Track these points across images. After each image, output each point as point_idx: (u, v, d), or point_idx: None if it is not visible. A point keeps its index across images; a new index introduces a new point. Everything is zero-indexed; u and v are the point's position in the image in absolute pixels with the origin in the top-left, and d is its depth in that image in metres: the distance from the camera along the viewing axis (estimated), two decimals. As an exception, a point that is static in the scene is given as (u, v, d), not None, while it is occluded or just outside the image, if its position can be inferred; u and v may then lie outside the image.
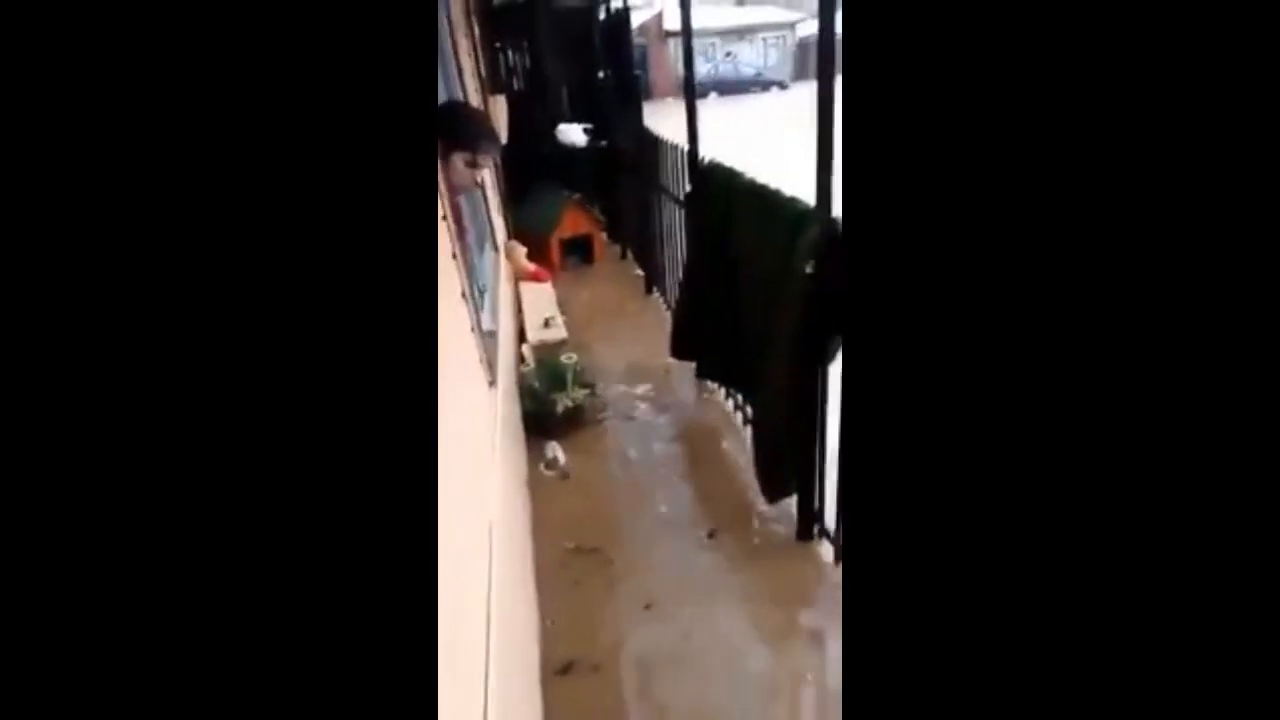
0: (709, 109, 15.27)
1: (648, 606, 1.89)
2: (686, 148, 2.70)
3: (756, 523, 2.18)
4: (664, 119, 4.07)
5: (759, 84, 20.77)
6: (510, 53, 5.59)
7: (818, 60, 1.55)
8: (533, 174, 4.95)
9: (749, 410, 2.50)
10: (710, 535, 2.15)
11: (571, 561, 2.08)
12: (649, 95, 15.85)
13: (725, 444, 2.60)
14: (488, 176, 3.29)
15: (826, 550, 2.00)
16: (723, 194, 2.32)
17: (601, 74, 4.87)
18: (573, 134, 5.06)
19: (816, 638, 1.75)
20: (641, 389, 3.05)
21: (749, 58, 22.54)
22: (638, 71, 4.43)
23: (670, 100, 17.11)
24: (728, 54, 22.23)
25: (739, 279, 2.24)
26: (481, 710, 0.92)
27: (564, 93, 5.40)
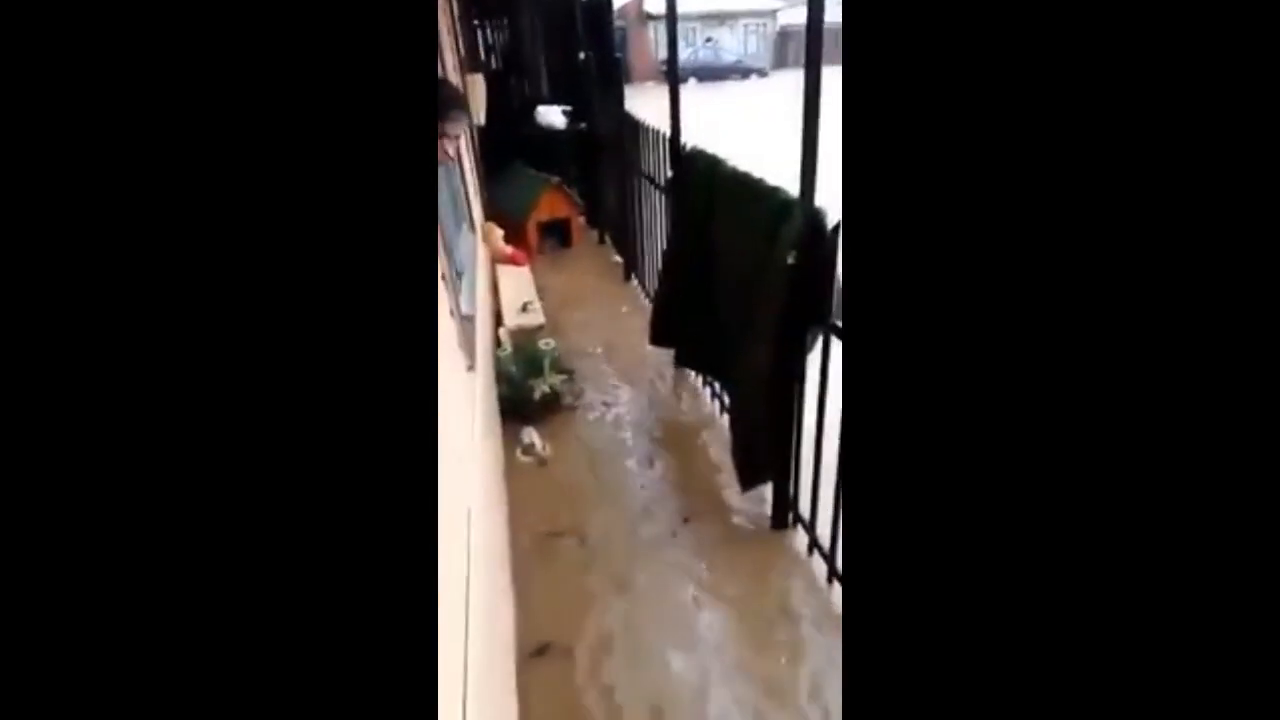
0: (688, 95, 15.18)
1: (621, 590, 1.90)
2: (668, 133, 2.68)
3: (732, 510, 2.20)
4: (644, 104, 4.03)
5: (739, 71, 20.71)
6: (489, 31, 5.48)
7: (806, 48, 1.55)
8: (511, 155, 4.88)
9: (726, 399, 2.51)
10: (685, 521, 2.16)
11: (547, 546, 2.08)
12: (629, 79, 15.69)
13: (702, 432, 2.62)
14: (464, 154, 3.23)
15: (801, 538, 2.03)
16: (705, 181, 2.31)
17: (582, 55, 4.80)
18: (552, 116, 4.99)
19: (790, 622, 1.78)
20: (619, 376, 3.05)
21: (729, 44, 22.43)
22: (618, 54, 4.38)
23: (650, 85, 16.97)
24: (708, 40, 22.09)
25: (719, 267, 2.24)
26: (460, 691, 0.92)
27: (543, 73, 5.32)
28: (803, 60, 1.56)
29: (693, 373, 2.92)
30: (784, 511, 2.07)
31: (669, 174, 2.75)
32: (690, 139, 2.58)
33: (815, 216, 1.66)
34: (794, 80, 1.58)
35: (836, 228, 1.64)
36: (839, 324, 1.67)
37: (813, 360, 1.81)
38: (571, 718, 1.57)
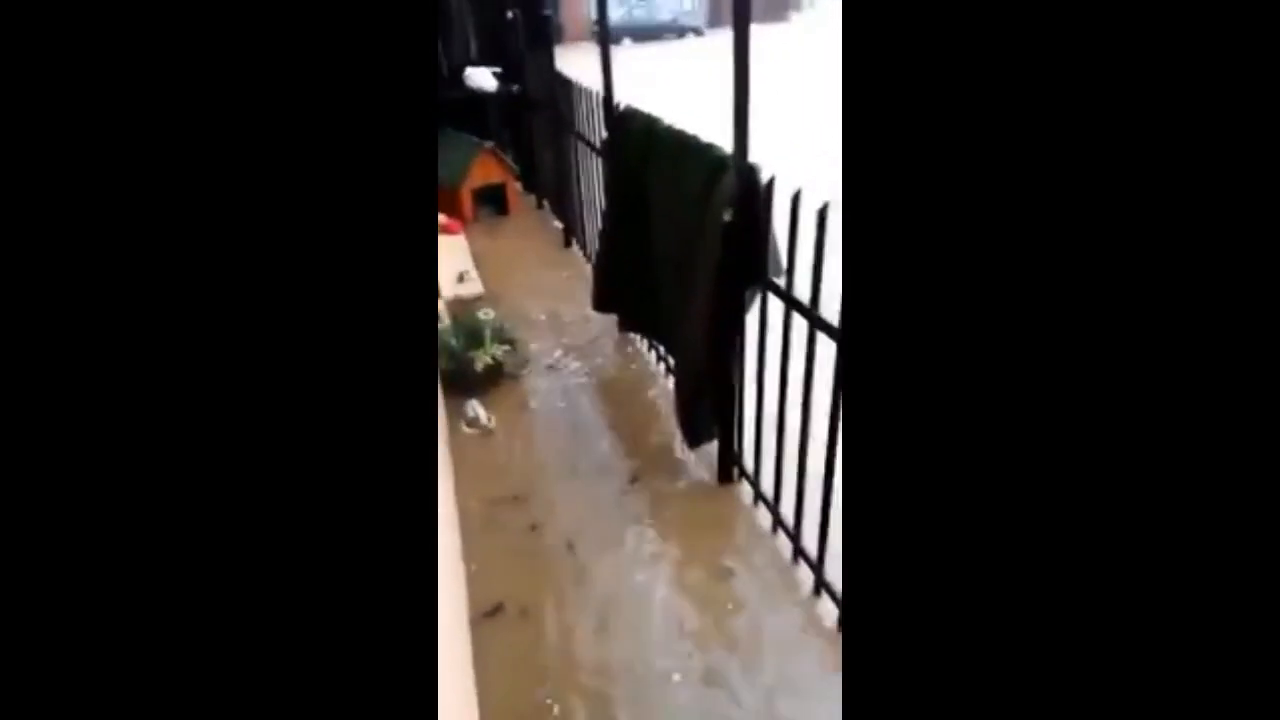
0: (623, 55, 14.91)
1: (572, 549, 1.93)
2: (602, 92, 2.63)
3: (680, 468, 2.23)
4: (577, 64, 3.94)
5: (674, 30, 20.38)
6: (411, -12, 5.20)
7: (734, 6, 1.53)
8: (440, 120, 4.70)
9: (671, 361, 2.53)
10: (633, 481, 2.19)
11: (496, 512, 2.08)
12: (560, 39, 15.24)
13: (649, 393, 2.63)
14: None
15: (746, 491, 2.08)
16: (640, 140, 2.28)
17: (510, 14, 4.63)
18: (482, 78, 4.81)
19: (736, 575, 1.83)
20: (563, 344, 3.03)
21: (664, 2, 22.01)
22: (547, 12, 4.23)
23: (584, 45, 16.54)
24: (642, -2, 21.63)
25: (657, 228, 2.23)
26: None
27: (471, 34, 5.11)
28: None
29: (638, 336, 2.92)
30: (729, 466, 2.12)
31: (604, 135, 2.70)
32: (626, 100, 2.54)
33: (749, 173, 1.66)
34: (724, 38, 1.56)
35: (770, 183, 1.65)
36: (776, 281, 1.70)
37: (753, 318, 1.83)
38: (527, 673, 1.59)
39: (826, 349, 1.48)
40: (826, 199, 1.39)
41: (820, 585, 1.72)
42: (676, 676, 1.57)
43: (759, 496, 2.01)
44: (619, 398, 2.65)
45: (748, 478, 2.07)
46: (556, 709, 1.52)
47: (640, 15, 20.43)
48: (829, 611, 1.68)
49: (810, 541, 1.73)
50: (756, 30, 1.55)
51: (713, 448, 2.14)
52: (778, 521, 1.92)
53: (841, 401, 1.48)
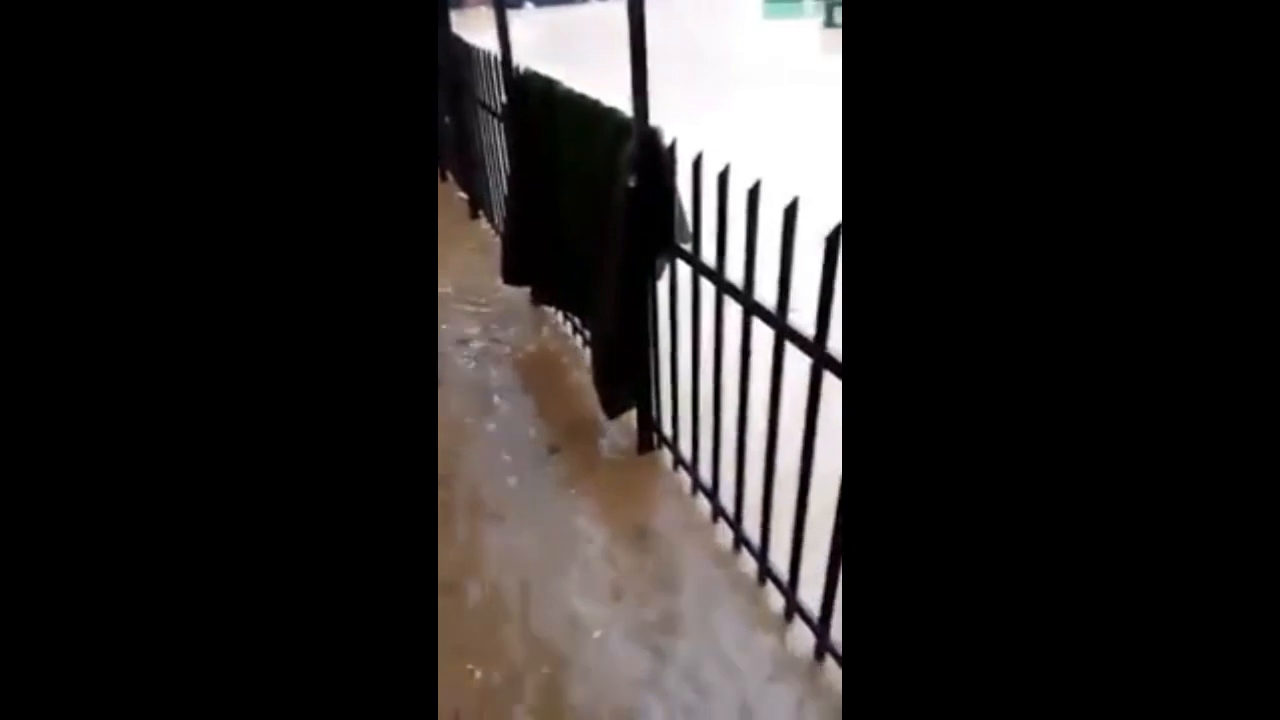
0: (526, 19, 14.42)
1: (494, 523, 1.91)
2: (499, 55, 2.53)
3: (599, 438, 2.23)
4: (476, 31, 3.77)
5: (578, -7, 19.86)
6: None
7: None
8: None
9: (587, 332, 2.51)
10: (552, 452, 2.18)
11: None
12: (460, 3, 14.56)
13: (565, 365, 2.61)
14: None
15: (666, 457, 2.11)
16: (542, 105, 2.21)
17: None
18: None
19: (657, 536, 1.86)
20: (473, 318, 2.95)
21: (565, -36, 21.36)
22: (441, -28, 4.02)
23: (484, 9, 15.88)
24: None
25: (565, 196, 2.18)
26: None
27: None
28: None
29: (552, 309, 2.88)
30: (648, 434, 2.14)
31: (504, 101, 2.61)
32: (531, 67, 2.45)
33: (650, 136, 1.64)
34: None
35: (673, 147, 1.64)
36: (684, 247, 1.70)
37: (664, 285, 1.84)
38: (459, 645, 1.57)
39: (733, 312, 1.50)
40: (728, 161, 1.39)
41: (740, 541, 1.78)
42: (598, 633, 1.59)
43: (678, 461, 2.05)
44: (534, 369, 2.61)
45: (667, 443, 2.10)
46: (478, 674, 1.52)
47: (543, -23, 19.74)
48: (749, 566, 1.74)
49: (728, 500, 1.77)
50: None
51: (631, 416, 2.15)
52: (696, 484, 1.96)
53: (777, 384, 1.50)
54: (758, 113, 6.17)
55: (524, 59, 2.47)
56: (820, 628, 1.48)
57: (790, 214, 1.21)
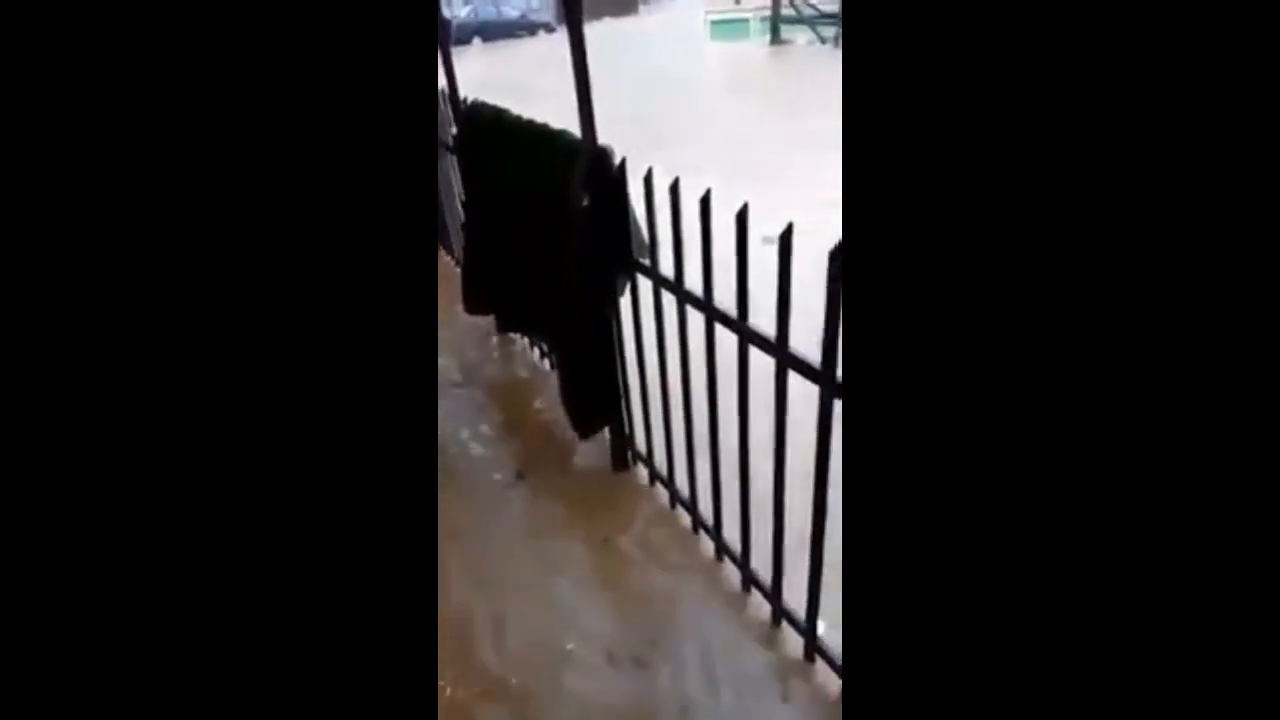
0: (474, 56, 14.55)
1: (455, 538, 1.90)
2: (446, 88, 2.54)
3: (573, 460, 2.22)
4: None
5: (525, 27, 20.11)
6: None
7: (564, 3, 1.53)
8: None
9: (554, 357, 2.50)
10: (520, 476, 2.17)
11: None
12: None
13: (533, 390, 2.59)
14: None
15: (643, 473, 2.10)
16: (492, 133, 2.23)
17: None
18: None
19: (637, 551, 1.84)
20: (440, 351, 2.92)
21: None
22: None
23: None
24: (488, -5, 21.16)
25: (519, 222, 2.18)
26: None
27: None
28: (594, 11, 1.54)
29: (518, 336, 2.87)
30: (623, 451, 2.13)
31: (454, 131, 2.62)
32: (488, 101, 2.47)
33: (600, 157, 1.66)
34: (585, 31, 1.56)
35: (623, 165, 1.66)
36: (643, 262, 1.71)
37: (626, 302, 1.84)
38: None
39: (697, 321, 1.51)
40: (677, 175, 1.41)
41: (721, 550, 1.77)
42: (570, 645, 1.57)
43: (654, 476, 2.04)
44: (502, 396, 2.59)
45: (642, 459, 2.09)
46: (449, 690, 1.50)
47: (488, 13, 19.97)
48: (732, 575, 1.73)
49: (707, 510, 1.77)
50: (612, 22, 1.58)
51: (606, 435, 2.14)
52: (674, 496, 1.95)
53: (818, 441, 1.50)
54: (711, 121, 6.29)
55: (476, 92, 2.49)
56: (808, 631, 1.47)
57: (741, 220, 1.23)
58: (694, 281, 1.47)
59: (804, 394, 1.24)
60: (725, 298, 1.39)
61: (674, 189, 1.42)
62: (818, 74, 8.59)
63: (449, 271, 3.60)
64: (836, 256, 1.04)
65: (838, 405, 1.17)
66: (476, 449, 2.32)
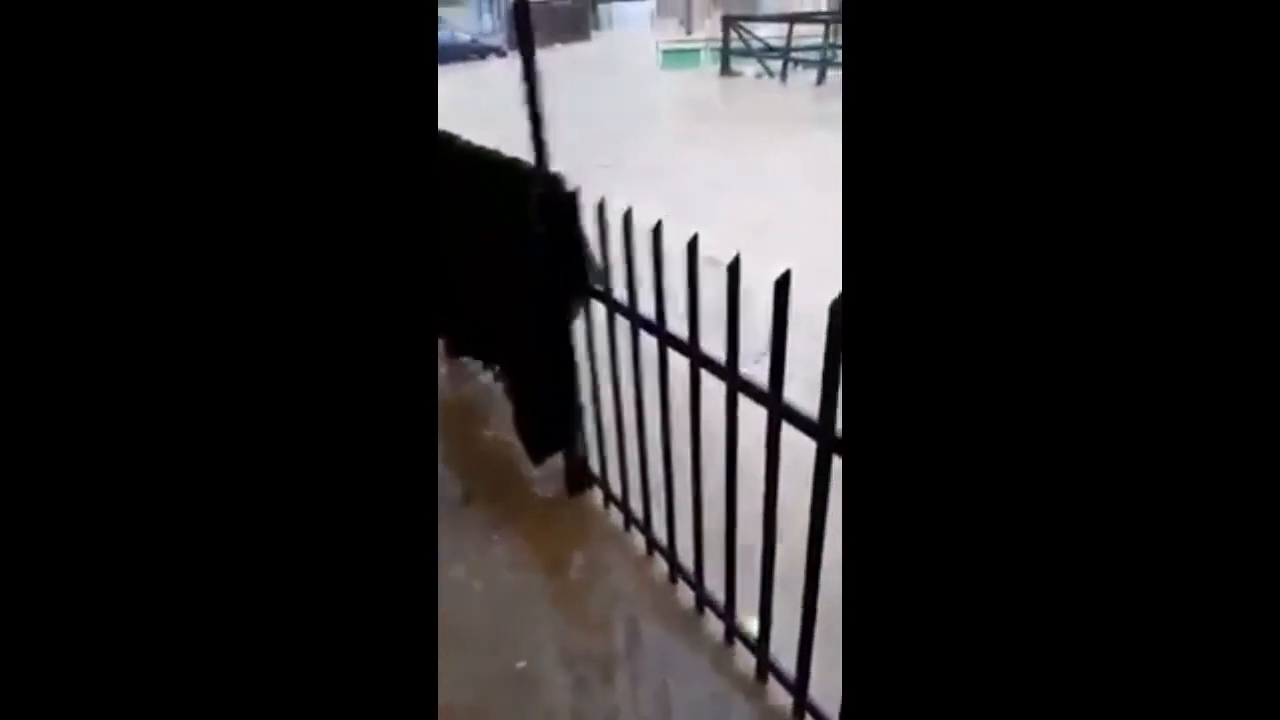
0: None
1: None
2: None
3: (527, 485, 2.21)
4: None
5: (476, 51, 20.15)
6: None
7: (516, 26, 1.57)
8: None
9: (507, 382, 2.49)
10: (466, 503, 2.15)
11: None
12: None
13: (484, 416, 2.58)
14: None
15: (596, 496, 2.11)
16: (443, 160, 2.23)
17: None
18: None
19: (590, 573, 1.85)
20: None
21: (461, 24, 21.70)
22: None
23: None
24: (439, 20, 21.14)
25: (473, 247, 2.19)
26: None
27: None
28: (547, 36, 1.59)
29: (468, 359, 2.85)
30: (578, 475, 2.13)
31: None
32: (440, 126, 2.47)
33: (553, 183, 1.69)
34: (539, 56, 1.60)
35: (575, 193, 1.70)
36: (598, 287, 1.74)
37: (580, 325, 1.86)
38: None
39: (649, 345, 1.54)
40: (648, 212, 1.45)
41: (675, 572, 1.79)
42: (521, 664, 1.55)
43: (609, 498, 2.05)
44: (450, 420, 2.57)
45: (597, 482, 2.09)
46: None
47: (443, 38, 19.95)
48: (686, 596, 1.75)
49: (662, 532, 1.79)
50: (564, 48, 1.62)
51: (559, 460, 2.14)
52: (629, 519, 1.96)
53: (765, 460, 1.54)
54: (668, 148, 6.42)
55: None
56: (760, 649, 1.50)
57: (692, 250, 1.27)
58: (647, 306, 1.51)
59: (754, 415, 1.28)
60: (676, 324, 1.43)
61: (626, 218, 1.46)
62: (765, 105, 8.89)
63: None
64: (837, 310, 1.00)
65: (791, 431, 1.21)
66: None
